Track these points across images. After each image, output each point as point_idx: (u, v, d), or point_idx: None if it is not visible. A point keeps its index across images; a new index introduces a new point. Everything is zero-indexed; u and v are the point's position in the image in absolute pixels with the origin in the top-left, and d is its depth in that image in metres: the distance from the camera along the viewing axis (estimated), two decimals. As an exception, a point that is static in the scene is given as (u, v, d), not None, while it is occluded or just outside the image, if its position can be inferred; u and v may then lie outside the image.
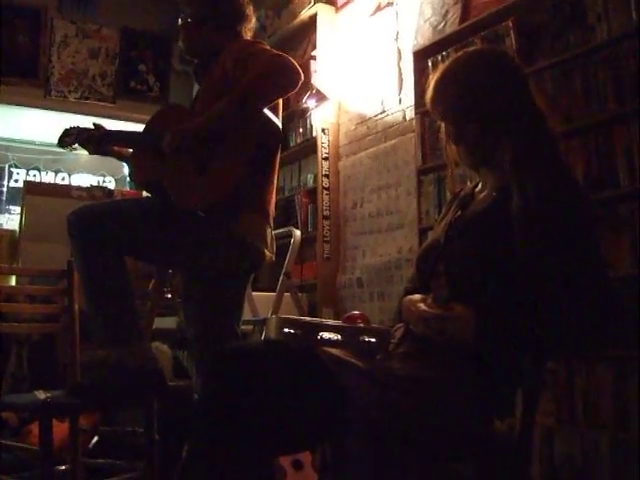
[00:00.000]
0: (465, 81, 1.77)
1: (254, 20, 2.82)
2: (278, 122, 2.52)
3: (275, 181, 2.67)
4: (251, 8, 2.79)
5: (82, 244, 2.48)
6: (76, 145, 2.86)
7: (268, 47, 2.60)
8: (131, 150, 2.79)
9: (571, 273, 1.55)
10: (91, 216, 2.50)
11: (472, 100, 1.74)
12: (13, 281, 4.84)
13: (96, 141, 2.81)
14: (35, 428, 3.27)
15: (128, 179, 7.41)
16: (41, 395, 2.46)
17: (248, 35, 2.79)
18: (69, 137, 2.88)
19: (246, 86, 2.39)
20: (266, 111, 2.47)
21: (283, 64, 2.43)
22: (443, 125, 1.88)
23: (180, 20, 2.77)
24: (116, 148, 2.88)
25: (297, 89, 2.49)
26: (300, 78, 2.45)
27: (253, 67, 2.42)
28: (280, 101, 2.64)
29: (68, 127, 2.93)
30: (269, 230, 2.61)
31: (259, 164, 2.47)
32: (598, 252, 1.62)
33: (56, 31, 6.88)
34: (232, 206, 2.42)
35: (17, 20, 6.68)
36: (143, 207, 2.57)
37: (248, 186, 2.44)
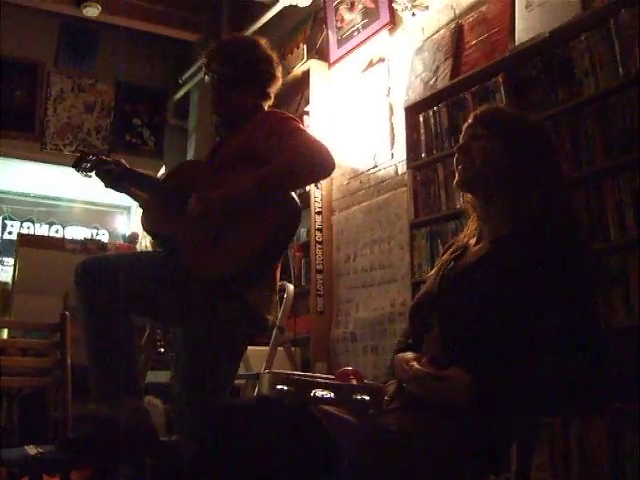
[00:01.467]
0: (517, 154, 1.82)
1: (280, 80, 2.78)
2: (298, 201, 2.50)
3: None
4: (280, 69, 2.77)
5: (89, 296, 2.44)
6: (92, 173, 2.82)
7: (302, 126, 2.58)
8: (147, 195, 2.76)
9: (570, 332, 1.56)
10: (100, 268, 2.46)
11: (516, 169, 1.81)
12: (5, 334, 4.82)
13: (115, 177, 2.76)
14: (25, 484, 3.22)
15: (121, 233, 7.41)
16: (32, 450, 2.44)
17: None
18: (87, 163, 2.83)
19: (281, 166, 2.38)
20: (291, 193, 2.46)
21: (321, 152, 2.41)
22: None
23: (210, 79, 2.74)
24: (133, 188, 2.82)
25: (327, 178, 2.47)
26: (334, 167, 2.43)
27: (290, 148, 2.40)
28: None
29: (86, 152, 2.90)
30: (275, 297, 2.60)
31: (275, 242, 2.45)
32: (598, 311, 1.64)
33: (52, 85, 6.97)
34: (244, 278, 2.40)
35: (15, 74, 6.77)
36: (154, 264, 2.54)
37: (262, 262, 2.43)
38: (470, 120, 1.92)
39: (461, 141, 1.92)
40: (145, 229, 2.77)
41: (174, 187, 2.60)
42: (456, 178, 1.90)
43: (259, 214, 2.39)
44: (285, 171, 2.39)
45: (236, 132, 2.66)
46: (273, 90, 2.76)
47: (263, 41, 2.78)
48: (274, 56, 2.76)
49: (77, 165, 2.86)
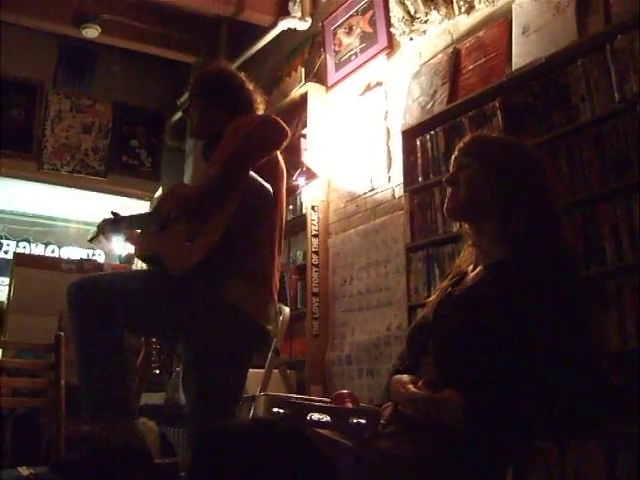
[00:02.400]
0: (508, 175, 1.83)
1: (261, 102, 2.83)
2: (269, 187, 2.51)
3: (275, 254, 2.63)
4: (259, 94, 2.84)
5: (82, 316, 2.44)
6: (100, 237, 2.93)
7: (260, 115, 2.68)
8: (139, 231, 2.82)
9: (564, 355, 1.56)
10: (94, 288, 2.46)
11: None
12: (-1, 354, 4.80)
13: (110, 227, 2.86)
14: (17, 506, 3.20)
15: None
16: (24, 471, 2.42)
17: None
18: (97, 230, 2.94)
19: (234, 149, 2.43)
20: (255, 175, 2.46)
21: (266, 122, 2.50)
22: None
23: (186, 101, 2.83)
24: (127, 231, 2.88)
25: (284, 145, 2.53)
26: (286, 133, 2.50)
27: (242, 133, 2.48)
28: (284, 173, 2.69)
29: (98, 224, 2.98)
30: (272, 308, 2.58)
31: (243, 227, 2.43)
32: (592, 333, 1.64)
33: (51, 106, 6.99)
34: (217, 270, 2.40)
35: (13, 94, 6.79)
36: (145, 280, 2.56)
37: (230, 249, 2.40)
38: (456, 152, 1.95)
39: (450, 172, 1.93)
40: (137, 256, 2.80)
41: (159, 208, 2.62)
42: (445, 206, 1.94)
43: (226, 205, 2.42)
44: (238, 150, 2.43)
45: (214, 150, 2.71)
46: (246, 105, 2.79)
47: (228, 65, 2.93)
48: (235, 73, 2.87)
49: (93, 239, 2.99)
